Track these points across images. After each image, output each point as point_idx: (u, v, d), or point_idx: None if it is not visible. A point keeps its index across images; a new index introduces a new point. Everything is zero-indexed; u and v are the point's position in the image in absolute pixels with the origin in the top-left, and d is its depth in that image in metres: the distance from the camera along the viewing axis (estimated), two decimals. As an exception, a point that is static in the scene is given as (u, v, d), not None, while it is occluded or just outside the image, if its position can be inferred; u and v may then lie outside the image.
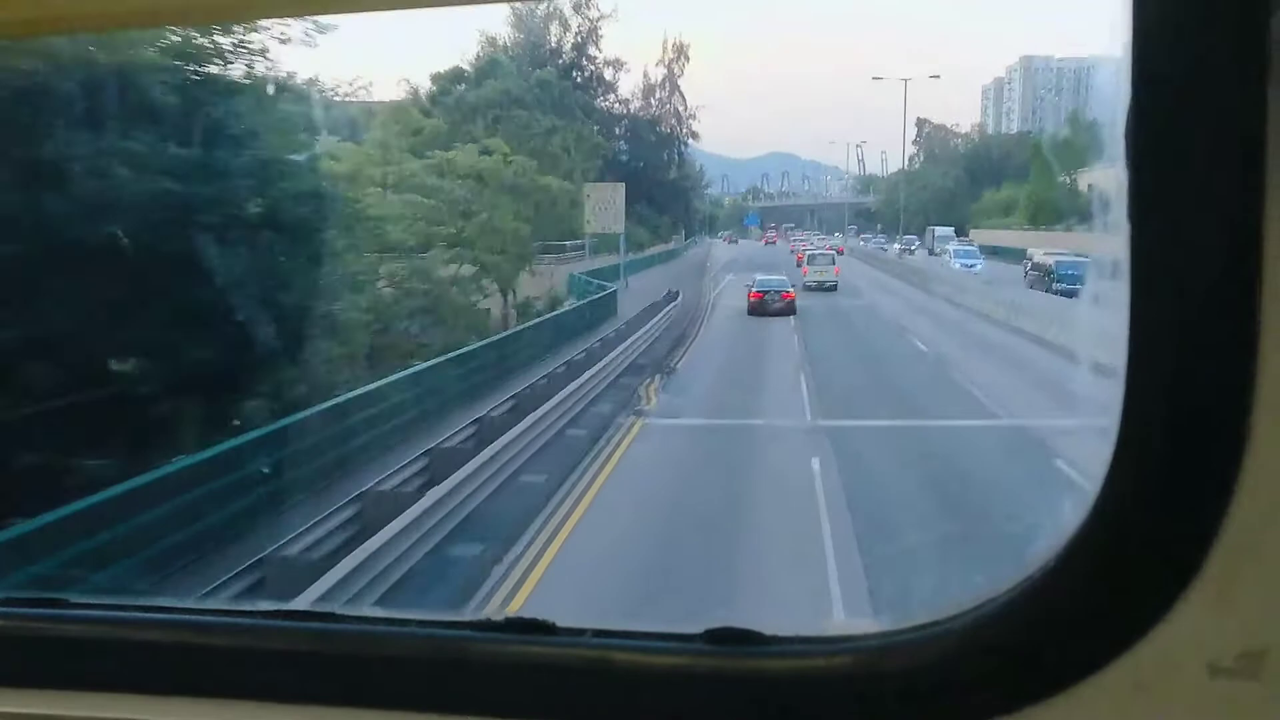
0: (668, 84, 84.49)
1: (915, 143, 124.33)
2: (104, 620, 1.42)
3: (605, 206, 46.60)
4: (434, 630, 1.34)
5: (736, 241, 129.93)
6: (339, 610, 1.38)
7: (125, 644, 1.38)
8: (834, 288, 46.12)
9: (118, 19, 1.70)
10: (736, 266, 69.73)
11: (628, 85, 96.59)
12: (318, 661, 1.33)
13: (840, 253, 62.72)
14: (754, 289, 38.86)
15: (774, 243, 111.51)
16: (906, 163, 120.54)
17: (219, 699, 1.33)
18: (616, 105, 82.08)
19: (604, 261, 51.30)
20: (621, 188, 49.39)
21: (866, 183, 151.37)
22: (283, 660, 1.34)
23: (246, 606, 1.55)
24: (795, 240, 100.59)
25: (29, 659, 1.39)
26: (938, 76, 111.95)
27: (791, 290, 38.63)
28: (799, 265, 51.39)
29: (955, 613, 1.17)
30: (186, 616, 1.44)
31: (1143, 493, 1.06)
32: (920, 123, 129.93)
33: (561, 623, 1.29)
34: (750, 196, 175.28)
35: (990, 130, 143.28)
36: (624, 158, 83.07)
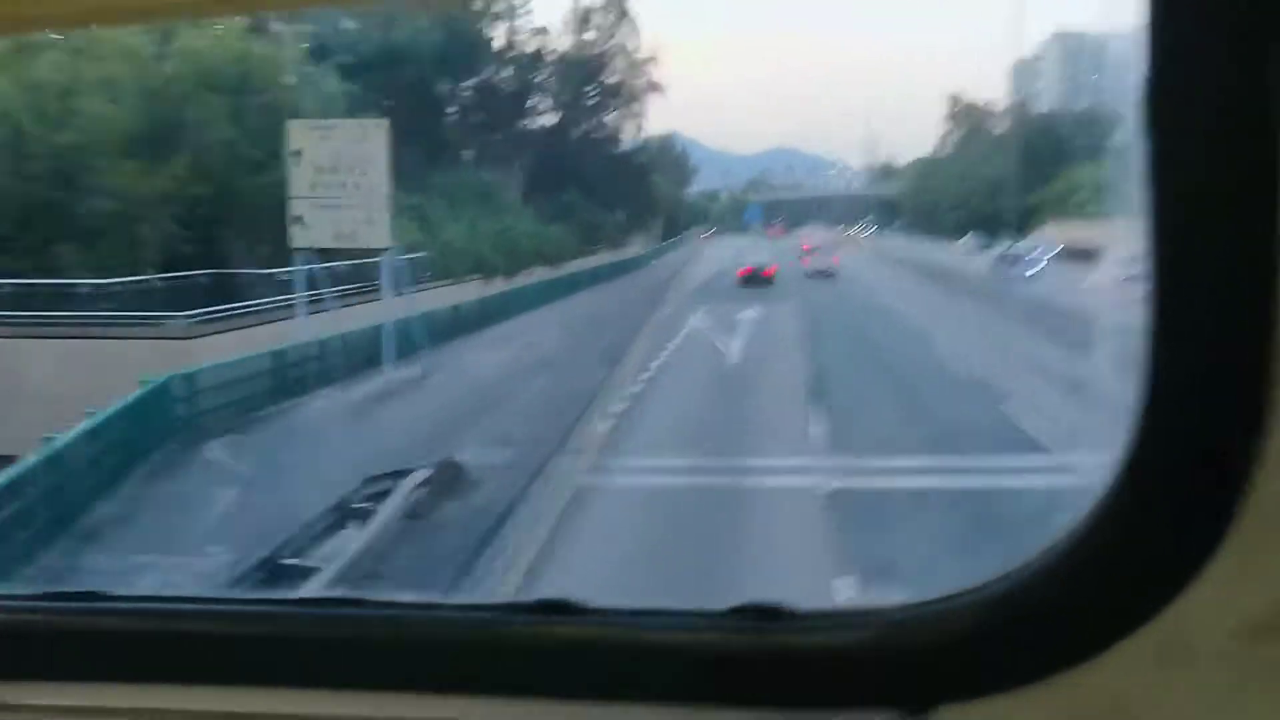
0: (614, 8, 53.77)
1: (945, 122, 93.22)
2: (140, 612, 1.43)
3: (344, 184, 18.11)
4: (463, 613, 1.35)
5: (701, 239, 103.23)
6: (369, 596, 1.37)
7: (161, 635, 1.38)
8: (833, 275, 46.17)
9: (104, 15, 1.56)
10: (719, 289, 41.64)
11: (550, 12, 65.13)
12: (350, 647, 1.32)
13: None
14: (743, 266, 44.93)
15: (778, 236, 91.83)
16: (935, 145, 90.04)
17: (254, 687, 1.33)
18: (530, 38, 50.50)
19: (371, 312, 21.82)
20: (381, 133, 19.22)
21: (885, 171, 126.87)
22: (316, 647, 1.33)
23: (280, 595, 1.17)
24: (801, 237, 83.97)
25: (68, 652, 1.39)
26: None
27: (772, 265, 44.88)
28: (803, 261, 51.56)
29: (979, 584, 1.15)
30: (220, 607, 1.46)
31: (1168, 460, 1.05)
32: (951, 100, 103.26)
33: (589, 603, 1.27)
34: (751, 189, 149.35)
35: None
36: (546, 119, 53.79)
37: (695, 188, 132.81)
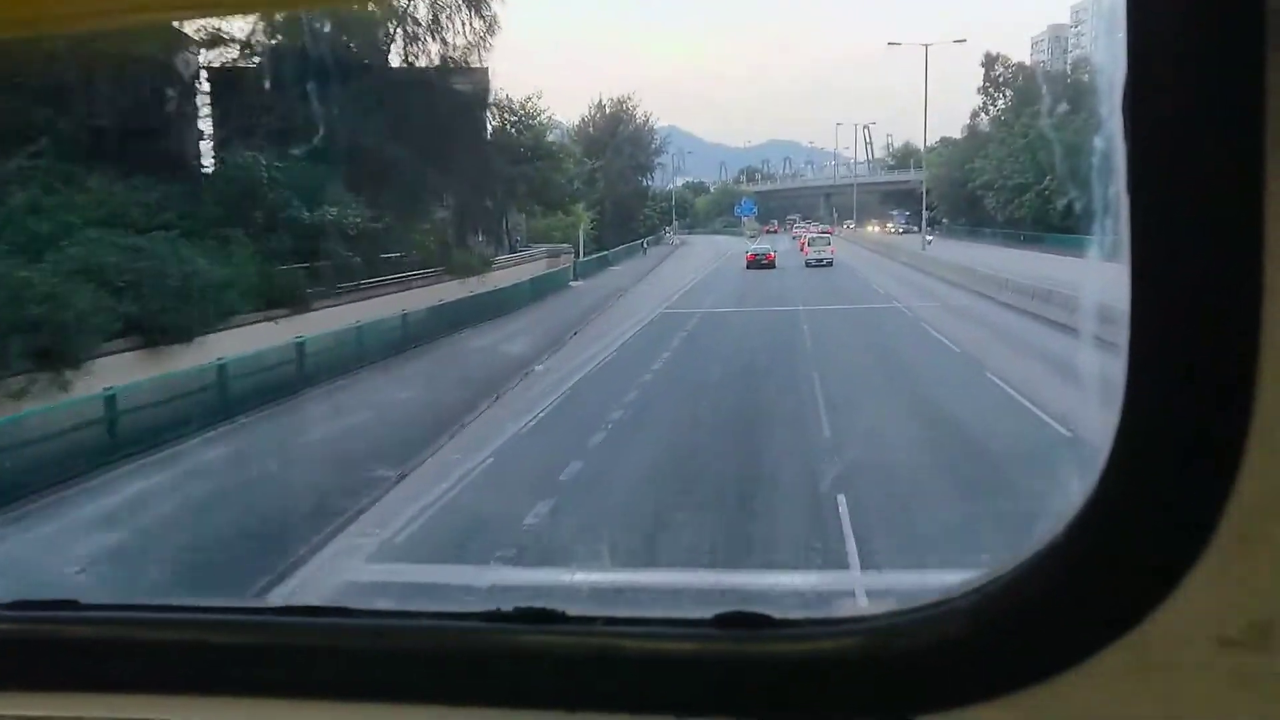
0: None
1: (982, 90, 75.93)
2: (117, 621, 1.40)
3: None
4: (445, 622, 1.32)
5: (679, 241, 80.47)
6: (351, 605, 1.35)
7: (139, 644, 1.36)
8: (830, 264, 47.33)
9: (113, 16, 1.61)
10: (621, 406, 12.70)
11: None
12: (331, 656, 1.30)
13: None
14: (749, 252, 52.29)
15: (774, 231, 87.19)
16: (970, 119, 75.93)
17: (233, 697, 1.31)
18: None
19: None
20: None
21: (903, 155, 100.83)
22: (296, 656, 1.31)
23: (258, 604, 1.45)
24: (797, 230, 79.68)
25: (44, 662, 1.37)
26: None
27: (773, 253, 50.90)
28: (801, 250, 53.82)
29: (963, 591, 1.15)
30: (199, 615, 1.42)
31: (1149, 467, 1.05)
32: (990, 60, 75.21)
33: (571, 611, 1.25)
34: (745, 178, 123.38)
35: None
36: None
37: (681, 178, 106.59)
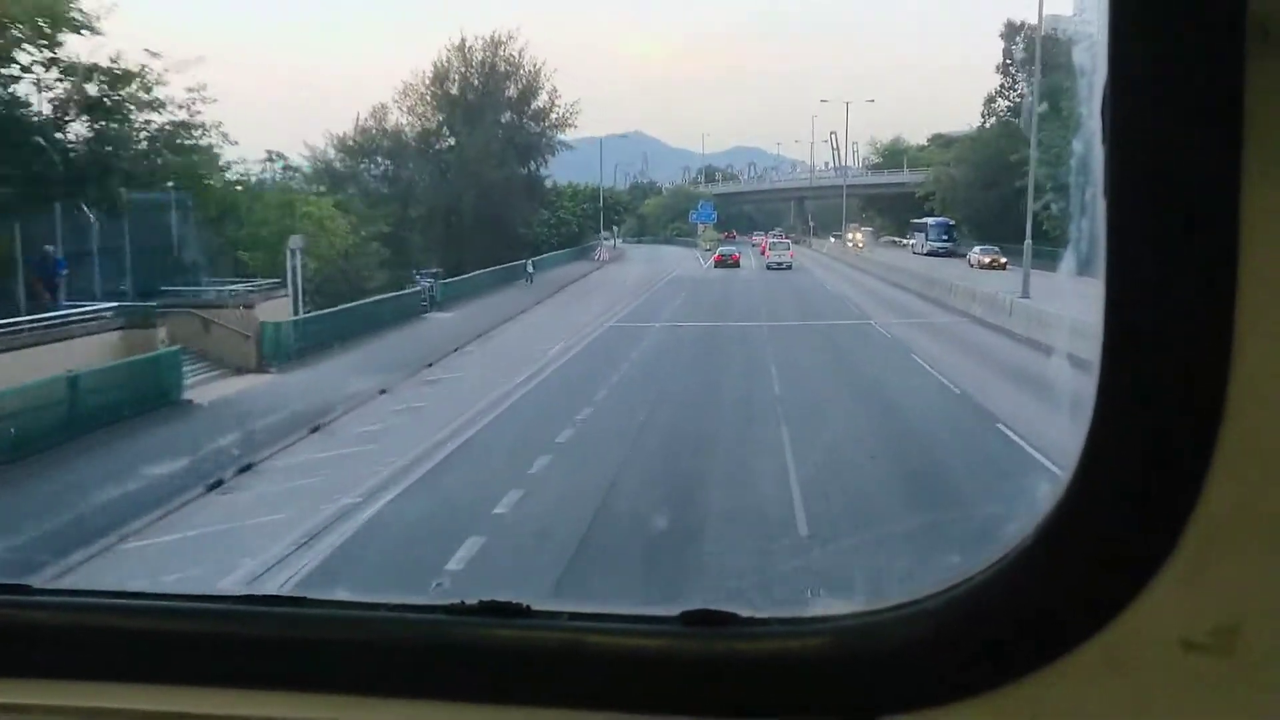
0: None
1: (1001, 69, 60.11)
2: (69, 607, 1.37)
3: None
4: (406, 614, 1.29)
5: (606, 256, 61.48)
6: (309, 595, 1.33)
7: (91, 631, 1.32)
8: (789, 267, 49.75)
9: None
10: None
11: None
12: (288, 647, 1.27)
13: None
14: (716, 253, 54.68)
15: (732, 238, 75.74)
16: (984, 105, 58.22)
17: (187, 686, 1.27)
18: None
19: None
20: None
21: (891, 154, 78.62)
22: (252, 646, 1.28)
23: (215, 592, 1.42)
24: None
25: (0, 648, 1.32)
26: None
27: (738, 253, 55.08)
28: (763, 254, 55.77)
29: (931, 593, 1.14)
30: (153, 602, 1.39)
31: (1118, 472, 1.05)
32: (1012, 30, 58.80)
33: (536, 605, 1.23)
34: (704, 179, 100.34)
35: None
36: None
37: (627, 178, 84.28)
